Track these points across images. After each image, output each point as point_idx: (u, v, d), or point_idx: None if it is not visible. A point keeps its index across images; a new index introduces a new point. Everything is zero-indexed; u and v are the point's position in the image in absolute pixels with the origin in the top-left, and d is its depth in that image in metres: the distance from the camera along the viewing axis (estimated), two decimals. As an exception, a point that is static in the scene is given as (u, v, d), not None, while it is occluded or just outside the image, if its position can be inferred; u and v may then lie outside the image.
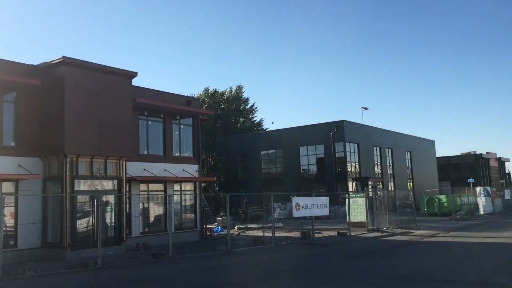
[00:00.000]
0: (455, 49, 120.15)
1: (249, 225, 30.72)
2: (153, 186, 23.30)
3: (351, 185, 43.63)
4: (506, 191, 42.50)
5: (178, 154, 24.79)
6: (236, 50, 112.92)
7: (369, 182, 44.49)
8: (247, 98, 64.66)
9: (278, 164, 48.52)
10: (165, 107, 23.27)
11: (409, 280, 11.36)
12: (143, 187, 22.68)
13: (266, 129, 62.94)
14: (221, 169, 55.14)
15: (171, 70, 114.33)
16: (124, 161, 19.86)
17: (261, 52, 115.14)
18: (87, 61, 18.70)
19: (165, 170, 23.51)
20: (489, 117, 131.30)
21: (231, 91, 64.08)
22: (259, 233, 25.85)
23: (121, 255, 18.03)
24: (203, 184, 46.33)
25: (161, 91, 24.40)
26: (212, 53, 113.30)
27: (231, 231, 29.35)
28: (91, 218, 18.74)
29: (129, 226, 21.48)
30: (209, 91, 62.26)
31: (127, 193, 20.41)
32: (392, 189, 48.72)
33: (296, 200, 21.06)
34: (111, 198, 19.61)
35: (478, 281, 10.96)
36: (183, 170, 24.44)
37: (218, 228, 28.03)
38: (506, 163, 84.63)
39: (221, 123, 60.65)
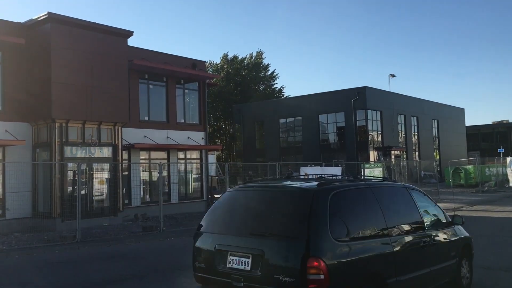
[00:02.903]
0: (487, 14, 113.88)
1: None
2: (155, 154, 22.09)
3: (372, 155, 41.68)
4: (540, 162, 39.75)
5: (182, 120, 23.44)
6: (257, 15, 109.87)
7: (392, 152, 42.45)
8: (268, 65, 62.61)
9: (297, 132, 46.80)
10: (167, 69, 21.77)
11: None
12: (144, 155, 21.53)
13: (286, 96, 61.01)
14: (239, 137, 53.83)
15: (188, 36, 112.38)
16: (119, 127, 18.63)
17: (283, 16, 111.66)
18: (75, 18, 17.26)
19: (168, 137, 22.25)
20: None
21: (252, 57, 62.02)
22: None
23: (115, 227, 17.03)
24: (216, 153, 45.23)
25: (163, 53, 22.90)
26: (232, 18, 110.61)
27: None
28: (84, 187, 17.70)
29: (129, 195, 20.54)
30: (228, 57, 60.30)
31: (123, 161, 19.26)
32: (417, 159, 46.57)
33: (305, 170, 19.53)
34: (106, 166, 18.53)
35: (503, 267, 9.27)
36: (188, 137, 23.13)
37: (227, 199, 26.82)
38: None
39: (241, 90, 58.92)
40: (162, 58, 22.42)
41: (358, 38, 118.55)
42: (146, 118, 21.70)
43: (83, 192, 17.46)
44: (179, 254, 11.47)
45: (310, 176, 19.60)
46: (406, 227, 6.15)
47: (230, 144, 58.51)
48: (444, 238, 6.89)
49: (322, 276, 4.62)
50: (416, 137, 49.21)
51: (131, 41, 18.80)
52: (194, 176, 24.18)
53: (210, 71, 57.87)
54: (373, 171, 23.72)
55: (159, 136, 21.79)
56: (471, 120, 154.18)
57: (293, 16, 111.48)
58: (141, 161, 21.15)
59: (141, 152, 21.20)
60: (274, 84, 63.30)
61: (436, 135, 53.06)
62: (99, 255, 11.22)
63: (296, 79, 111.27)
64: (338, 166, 21.28)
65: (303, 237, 4.77)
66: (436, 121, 52.70)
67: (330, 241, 4.86)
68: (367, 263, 5.29)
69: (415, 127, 49.16)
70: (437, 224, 6.95)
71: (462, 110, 59.35)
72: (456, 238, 7.19)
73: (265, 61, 62.63)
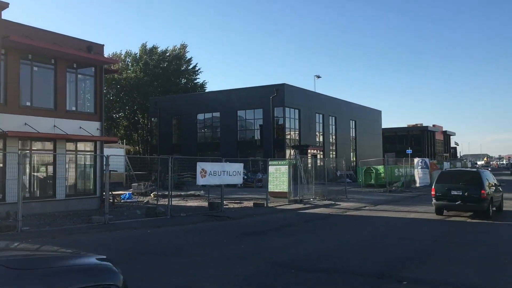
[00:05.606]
0: (405, 20, 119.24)
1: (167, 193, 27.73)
2: (38, 145, 19.74)
3: (289, 153, 41.29)
4: (445, 163, 41.39)
5: (74, 108, 21.20)
6: (181, 9, 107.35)
7: (309, 151, 42.36)
8: (190, 58, 60.77)
9: (215, 128, 45.49)
10: (55, 50, 19.46)
11: (290, 269, 8.71)
12: (24, 145, 19.10)
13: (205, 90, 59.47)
14: (156, 132, 51.58)
15: (108, 24, 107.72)
16: (-13, 112, 16.21)
17: (209, 10, 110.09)
18: None
19: (55, 126, 19.95)
20: (439, 90, 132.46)
21: (175, 50, 59.77)
22: (180, 202, 23.02)
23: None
24: (127, 147, 42.76)
25: (53, 32, 20.52)
26: (153, 7, 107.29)
27: (146, 199, 26.35)
28: None
29: (3, 190, 18.12)
30: (146, 48, 57.62)
31: (-8, 151, 16.85)
32: (334, 158, 46.88)
33: (201, 165, 18.10)
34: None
35: (375, 272, 8.45)
36: (80, 127, 20.94)
37: (126, 195, 24.87)
38: (451, 137, 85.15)
39: (161, 83, 56.59)
40: (51, 37, 20.07)
41: (286, 37, 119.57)
42: (28, 104, 19.30)
43: None
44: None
45: (208, 173, 18.18)
46: (495, 184, 18.22)
47: (147, 138, 56.03)
48: (499, 190, 18.76)
49: (485, 195, 16.45)
50: (334, 137, 49.63)
51: (26, 20, 16.33)
52: (88, 170, 22.04)
53: (128, 61, 55.05)
54: (280, 169, 22.85)
55: (44, 124, 19.46)
56: (389, 122, 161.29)
57: (218, 12, 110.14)
58: (20, 151, 18.70)
59: (20, 141, 18.79)
60: (196, 78, 61.58)
61: (354, 135, 53.95)
62: None
63: (220, 75, 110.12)
64: (239, 163, 20.09)
65: (479, 184, 16.69)
66: (354, 121, 53.57)
67: (486, 186, 16.78)
68: (492, 194, 17.14)
69: (333, 126, 49.57)
70: (497, 185, 18.44)
71: (379, 112, 60.97)
72: (500, 192, 19.02)
73: (188, 55, 60.75)
